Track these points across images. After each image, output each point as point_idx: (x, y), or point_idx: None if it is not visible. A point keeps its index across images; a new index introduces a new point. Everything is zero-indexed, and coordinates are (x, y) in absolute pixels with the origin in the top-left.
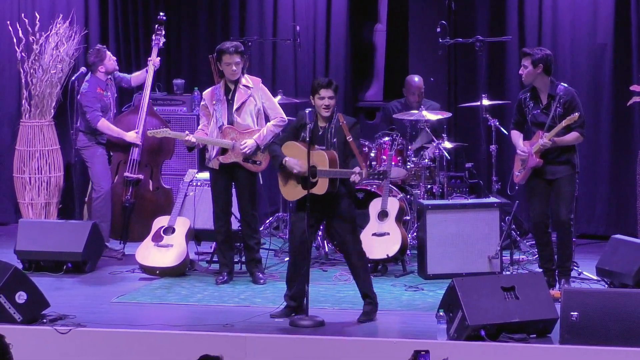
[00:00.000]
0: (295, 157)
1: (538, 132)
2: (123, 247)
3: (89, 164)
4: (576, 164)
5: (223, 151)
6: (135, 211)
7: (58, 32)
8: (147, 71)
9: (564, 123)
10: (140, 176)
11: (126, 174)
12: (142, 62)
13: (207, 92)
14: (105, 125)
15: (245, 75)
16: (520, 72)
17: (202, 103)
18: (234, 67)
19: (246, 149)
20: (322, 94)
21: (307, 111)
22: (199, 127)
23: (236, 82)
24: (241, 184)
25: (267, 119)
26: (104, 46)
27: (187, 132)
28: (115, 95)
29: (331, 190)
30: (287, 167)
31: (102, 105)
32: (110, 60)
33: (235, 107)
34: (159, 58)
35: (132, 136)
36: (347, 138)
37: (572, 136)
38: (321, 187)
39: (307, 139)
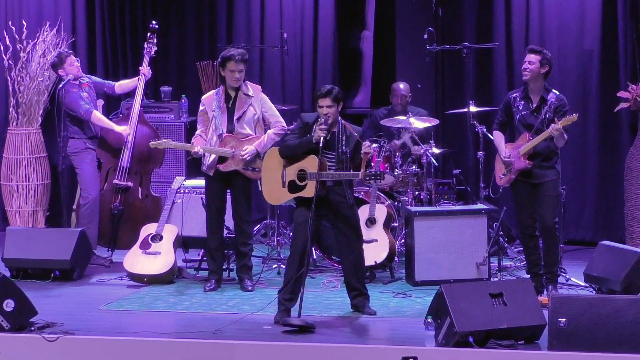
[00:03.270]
0: (288, 162)
1: (524, 134)
2: (111, 255)
3: (78, 169)
4: (560, 170)
5: (222, 159)
6: (123, 219)
7: (45, 40)
8: (138, 79)
9: (561, 123)
10: (130, 184)
11: (115, 181)
12: (130, 69)
13: (206, 98)
14: (97, 116)
15: (247, 83)
16: (524, 67)
17: (201, 108)
18: (238, 75)
19: (246, 155)
20: (320, 103)
21: (321, 119)
22: (197, 132)
23: (237, 90)
24: (237, 190)
25: (266, 127)
26: (69, 51)
27: (193, 142)
28: (100, 100)
29: (320, 193)
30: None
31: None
32: (72, 65)
33: (236, 116)
34: (149, 68)
35: (121, 128)
36: (361, 140)
37: (566, 136)
38: (310, 191)
39: (321, 144)
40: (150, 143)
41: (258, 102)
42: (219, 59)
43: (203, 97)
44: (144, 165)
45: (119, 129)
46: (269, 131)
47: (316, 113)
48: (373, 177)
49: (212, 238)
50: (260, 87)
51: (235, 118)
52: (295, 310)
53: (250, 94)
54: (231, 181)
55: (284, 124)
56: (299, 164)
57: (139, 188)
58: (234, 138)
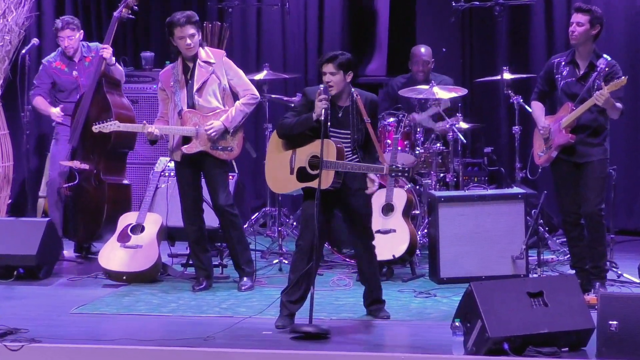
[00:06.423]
0: (299, 144)
1: (566, 104)
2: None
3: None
4: (608, 148)
5: (186, 140)
6: (77, 209)
7: None
8: (98, 59)
9: (607, 89)
10: (83, 166)
11: (61, 161)
12: (104, 33)
13: (162, 73)
14: (37, 102)
15: (206, 49)
16: (571, 29)
17: (158, 86)
18: (189, 41)
19: (212, 130)
20: (324, 69)
21: (321, 86)
22: (158, 115)
23: (195, 59)
24: (211, 174)
25: (236, 98)
26: (65, 21)
27: (144, 122)
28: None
29: (335, 185)
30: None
31: (58, 82)
32: (62, 40)
33: (195, 87)
34: (110, 47)
35: (54, 112)
36: (365, 118)
37: (619, 105)
38: (324, 181)
39: (322, 118)
40: (93, 127)
41: (221, 68)
42: (165, 28)
43: (160, 74)
44: (103, 146)
45: (52, 111)
46: (237, 103)
47: (323, 86)
48: (400, 174)
49: (190, 230)
50: (223, 51)
51: (195, 90)
52: (300, 313)
53: (211, 60)
54: (202, 164)
55: (255, 92)
56: (312, 149)
57: (93, 173)
58: (196, 114)
